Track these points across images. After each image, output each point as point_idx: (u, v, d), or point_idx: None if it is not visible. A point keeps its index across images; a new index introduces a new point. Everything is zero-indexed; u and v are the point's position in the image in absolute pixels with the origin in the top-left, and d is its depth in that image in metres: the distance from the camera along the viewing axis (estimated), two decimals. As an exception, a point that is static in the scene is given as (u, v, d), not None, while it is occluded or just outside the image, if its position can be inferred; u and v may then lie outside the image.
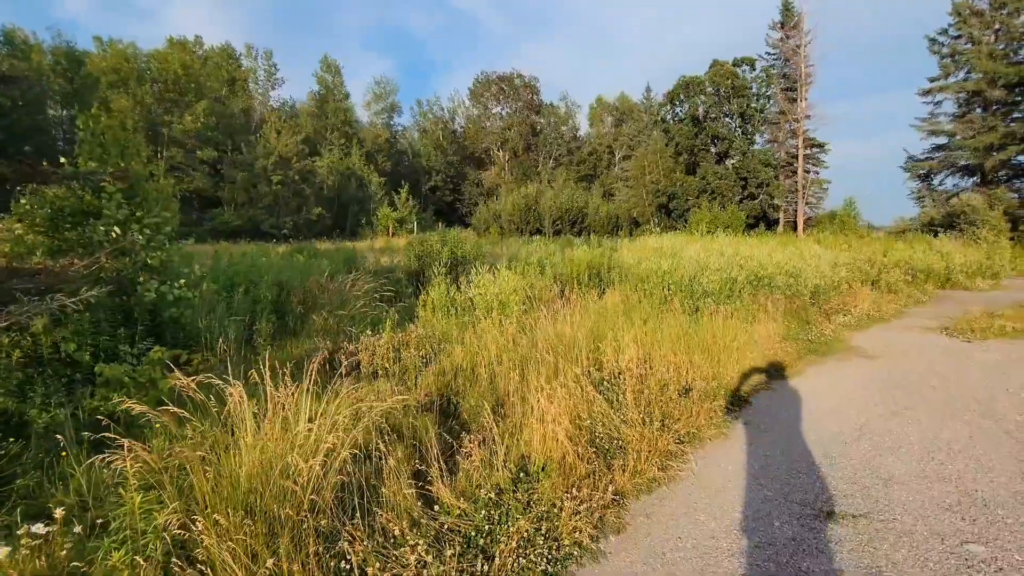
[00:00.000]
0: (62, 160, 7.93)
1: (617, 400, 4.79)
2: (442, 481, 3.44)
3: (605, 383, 5.02)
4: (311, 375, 3.47)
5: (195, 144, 40.67)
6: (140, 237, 6.16)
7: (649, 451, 4.21)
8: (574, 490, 3.59)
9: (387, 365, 5.85)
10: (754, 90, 47.77)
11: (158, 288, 6.04)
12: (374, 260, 13.77)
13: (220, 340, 6.06)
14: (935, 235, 25.53)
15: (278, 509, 2.58)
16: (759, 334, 7.28)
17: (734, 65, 47.83)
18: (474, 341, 6.21)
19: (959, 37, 35.51)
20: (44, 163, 7.26)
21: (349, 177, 48.06)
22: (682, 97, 49.37)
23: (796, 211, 44.26)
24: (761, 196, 45.05)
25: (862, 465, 4.18)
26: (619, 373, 5.19)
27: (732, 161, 46.90)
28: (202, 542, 2.40)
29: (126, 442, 2.50)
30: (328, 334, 7.13)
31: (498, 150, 69.06)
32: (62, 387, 4.80)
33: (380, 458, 3.45)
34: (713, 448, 4.57)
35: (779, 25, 46.05)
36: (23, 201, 6.76)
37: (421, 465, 3.62)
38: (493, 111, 70.66)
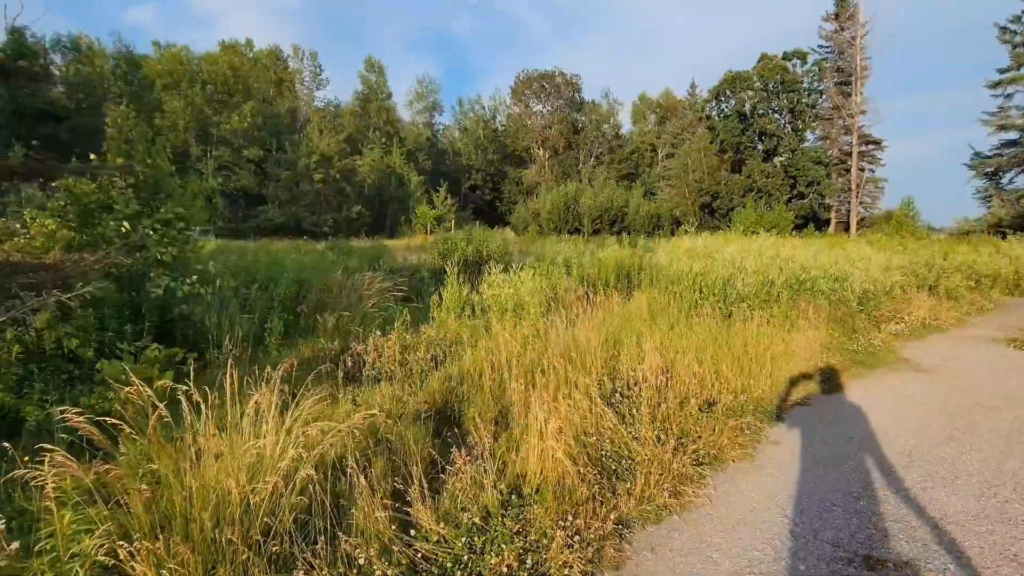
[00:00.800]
0: (91, 156, 8.08)
1: (630, 414, 4.39)
2: (423, 502, 3.14)
3: (618, 395, 4.62)
4: (276, 381, 3.22)
5: (242, 143, 41.97)
6: (151, 232, 6.12)
7: (661, 473, 3.79)
8: (570, 516, 3.22)
9: (392, 368, 5.60)
10: (805, 84, 45.82)
11: (168, 284, 5.98)
12: (402, 258, 13.64)
13: (228, 338, 5.93)
14: (1003, 237, 23.68)
15: (219, 534, 2.32)
16: (797, 343, 6.69)
17: (784, 59, 46.00)
18: (484, 345, 5.90)
19: (1035, 24, 32.97)
20: (73, 157, 7.37)
21: (389, 176, 48.63)
22: (728, 92, 47.81)
23: (849, 211, 42.15)
24: (811, 195, 43.14)
25: (909, 499, 3.65)
26: (635, 384, 4.78)
27: (780, 159, 45.12)
28: (133, 570, 2.16)
29: (48, 453, 2.29)
30: (339, 334, 6.96)
31: (538, 148, 68.63)
32: (62, 384, 4.75)
33: (360, 474, 3.17)
34: (736, 472, 4.10)
35: (833, 17, 43.93)
36: (57, 197, 6.89)
37: (404, 485, 3.33)
38: (534, 109, 70.22)
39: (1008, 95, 34.58)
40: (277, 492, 2.64)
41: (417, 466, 3.31)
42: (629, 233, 43.75)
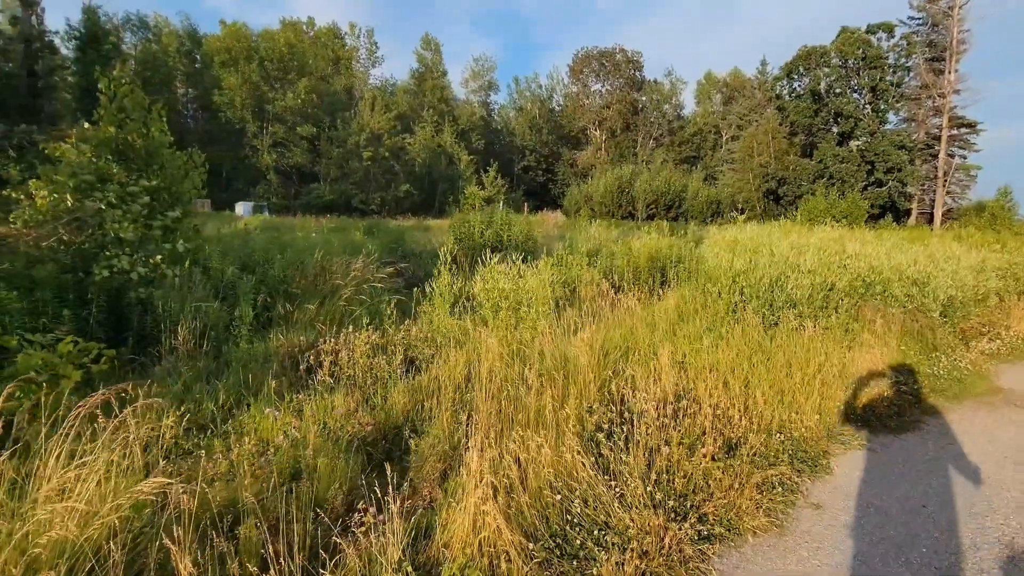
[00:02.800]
0: (85, 124, 7.64)
1: (619, 461, 3.36)
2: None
3: (603, 432, 3.59)
4: (79, 416, 2.40)
5: (297, 120, 42.40)
6: (103, 206, 5.51)
7: (646, 554, 2.77)
8: (495, 626, 2.28)
9: (353, 373, 4.77)
10: (890, 61, 41.58)
11: (119, 265, 5.35)
12: (429, 240, 12.84)
13: (180, 328, 5.27)
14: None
15: None
16: (859, 363, 5.39)
17: (868, 32, 41.87)
18: (465, 351, 4.98)
19: None
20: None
21: (440, 155, 48.09)
22: (801, 70, 44.14)
23: (933, 201, 38.29)
24: (891, 183, 39.34)
25: (1010, 626, 2.48)
26: (632, 418, 3.73)
27: (857, 142, 41.37)
28: None
29: None
30: (314, 328, 6.21)
31: (595, 129, 66.36)
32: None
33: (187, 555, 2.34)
34: (755, 552, 3.02)
35: (929, -17, 39.49)
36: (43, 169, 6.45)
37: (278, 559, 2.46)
38: (592, 88, 67.77)
39: None
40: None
41: (294, 531, 2.44)
42: (686, 219, 41.63)
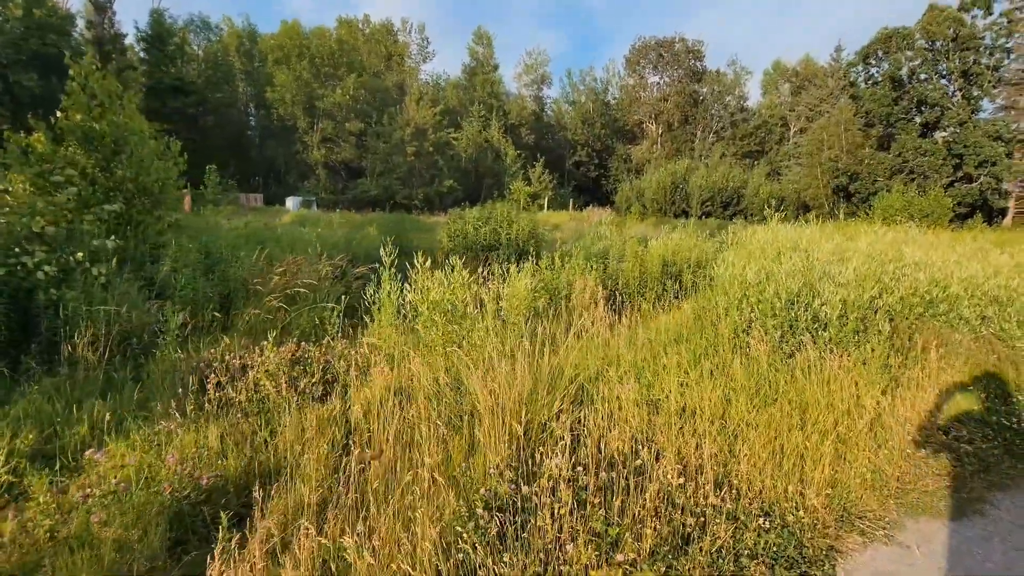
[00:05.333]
0: (58, 113, 7.29)
1: (493, 565, 2.34)
2: None
3: (481, 516, 2.56)
4: None
5: (345, 116, 42.79)
6: (9, 198, 4.97)
7: None
8: None
9: (240, 397, 3.96)
10: (987, 42, 37.21)
11: (27, 263, 4.78)
12: (429, 238, 12.05)
13: (78, 335, 4.64)
14: None
15: None
16: (902, 409, 4.07)
17: (960, 10, 37.67)
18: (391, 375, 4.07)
19: None
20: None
21: (486, 150, 47.38)
22: (880, 54, 40.31)
23: (1033, 199, 34.05)
24: (983, 178, 35.23)
25: None
26: (527, 500, 2.68)
27: (944, 133, 37.39)
28: None
29: None
30: (254, 334, 5.48)
31: (651, 123, 63.81)
32: None
33: None
34: None
35: (1035, -48, 35.06)
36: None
37: None
38: (650, 80, 65.18)
39: None
40: None
41: None
42: (745, 217, 39.18)
